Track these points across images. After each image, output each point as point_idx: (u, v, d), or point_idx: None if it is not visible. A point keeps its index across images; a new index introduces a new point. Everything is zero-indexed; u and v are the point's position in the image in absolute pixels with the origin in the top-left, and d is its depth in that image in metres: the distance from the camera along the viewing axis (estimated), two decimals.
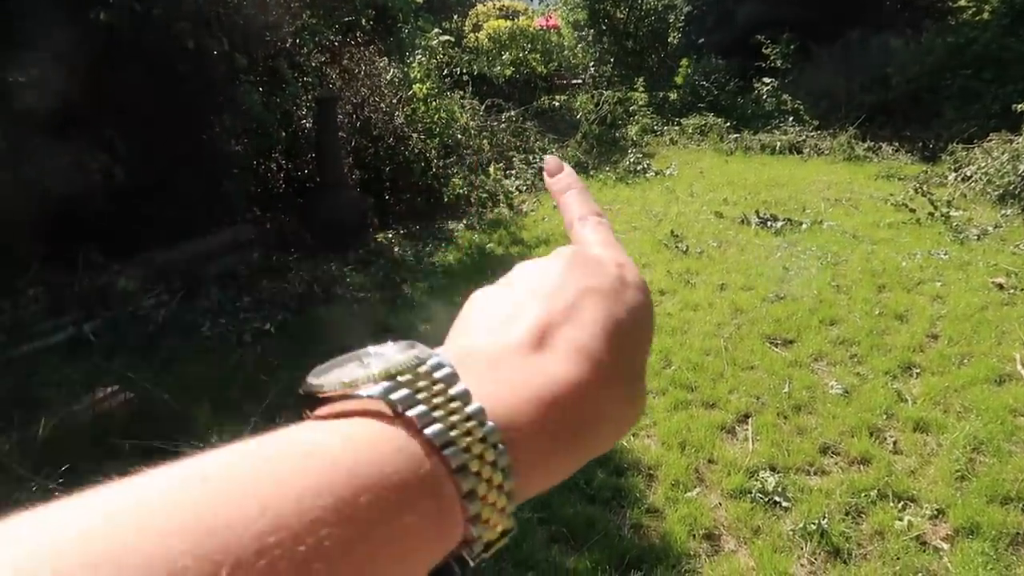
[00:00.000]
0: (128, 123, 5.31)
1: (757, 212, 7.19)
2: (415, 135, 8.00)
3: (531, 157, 9.75)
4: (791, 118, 11.69)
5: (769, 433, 3.46)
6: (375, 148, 7.71)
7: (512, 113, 10.62)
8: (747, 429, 3.55)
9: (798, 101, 11.85)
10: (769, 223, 6.95)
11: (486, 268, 6.08)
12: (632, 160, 9.88)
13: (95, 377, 3.90)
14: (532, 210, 8.03)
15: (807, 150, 10.65)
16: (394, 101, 8.11)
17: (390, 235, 7.12)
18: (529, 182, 9.01)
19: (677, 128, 12.25)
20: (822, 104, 11.87)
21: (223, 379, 4.21)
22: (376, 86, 7.85)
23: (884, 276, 5.47)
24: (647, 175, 9.51)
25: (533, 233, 7.10)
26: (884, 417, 3.58)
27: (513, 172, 9.22)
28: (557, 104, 13.04)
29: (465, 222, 7.54)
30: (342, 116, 7.23)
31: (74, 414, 3.34)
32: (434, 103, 8.59)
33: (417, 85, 8.49)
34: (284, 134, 6.68)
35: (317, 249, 6.30)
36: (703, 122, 12.05)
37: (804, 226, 6.85)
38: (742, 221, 7.10)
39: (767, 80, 12.30)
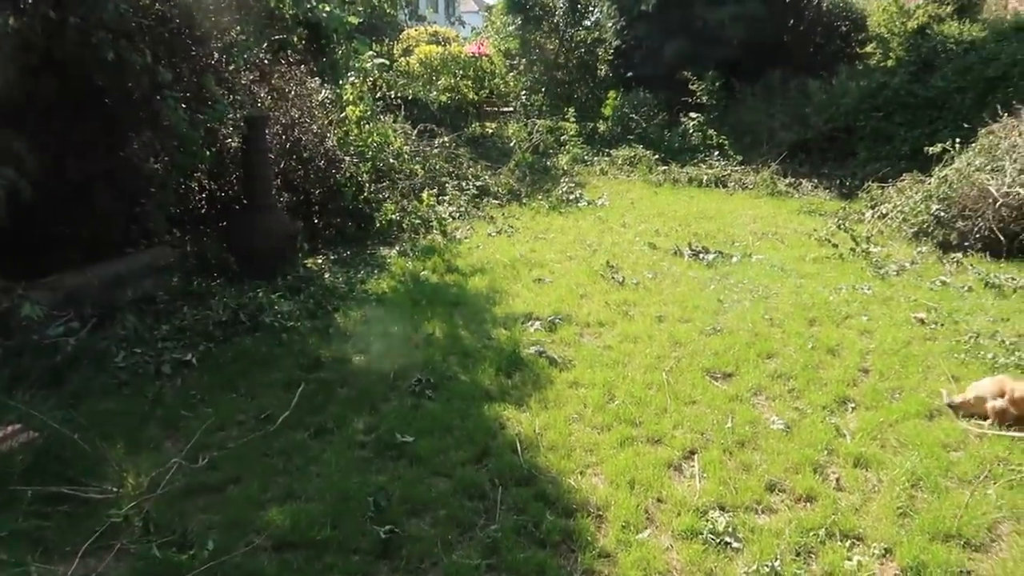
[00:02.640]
0: (39, 136, 4.94)
1: (689, 244, 7.29)
2: (347, 158, 7.80)
3: (464, 184, 9.67)
4: (716, 152, 12.02)
5: (716, 470, 3.43)
6: (305, 170, 7.46)
7: (445, 139, 10.54)
8: (693, 466, 3.51)
9: (723, 136, 12.20)
10: (701, 255, 7.06)
11: (420, 296, 5.93)
12: (565, 189, 9.93)
13: None
14: (466, 237, 7.93)
15: (732, 184, 10.97)
16: (326, 123, 7.89)
17: (320, 261, 6.88)
18: (462, 209, 8.92)
19: (607, 159, 12.42)
20: (746, 140, 12.28)
21: (140, 415, 3.90)
22: (307, 107, 7.62)
23: (814, 310, 5.60)
24: (579, 204, 9.56)
25: (467, 261, 6.98)
26: (825, 453, 3.60)
27: (446, 198, 9.11)
28: (489, 131, 13.04)
29: (398, 248, 7.36)
30: (271, 136, 6.96)
31: None
32: (367, 126, 8.42)
33: (350, 107, 8.31)
34: (209, 153, 6.37)
35: (243, 274, 6.00)
36: (632, 154, 12.26)
37: (735, 259, 6.98)
38: (675, 252, 7.19)
39: (693, 115, 12.64)
